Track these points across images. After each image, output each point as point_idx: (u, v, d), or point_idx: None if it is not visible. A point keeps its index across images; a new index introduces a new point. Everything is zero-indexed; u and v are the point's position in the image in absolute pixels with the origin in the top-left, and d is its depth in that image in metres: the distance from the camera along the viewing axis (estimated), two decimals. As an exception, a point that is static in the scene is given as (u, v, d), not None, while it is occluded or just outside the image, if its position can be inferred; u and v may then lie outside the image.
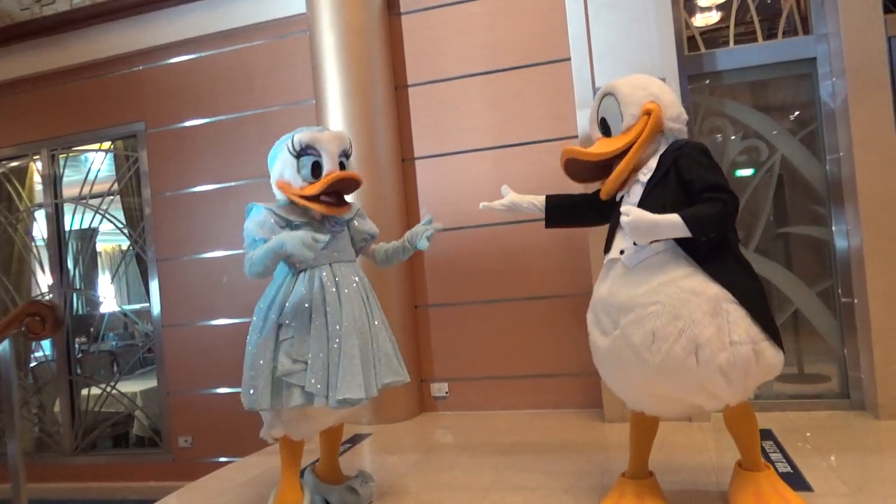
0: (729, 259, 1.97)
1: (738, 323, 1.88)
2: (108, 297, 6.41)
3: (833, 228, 3.38)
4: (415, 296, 4.11)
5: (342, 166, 2.36)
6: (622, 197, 2.18)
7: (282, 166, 2.36)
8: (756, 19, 3.51)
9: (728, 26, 3.58)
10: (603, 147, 2.14)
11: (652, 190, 2.05)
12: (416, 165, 4.11)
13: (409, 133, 4.13)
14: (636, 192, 2.10)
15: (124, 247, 5.87)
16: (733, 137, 3.59)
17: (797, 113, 3.62)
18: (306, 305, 2.26)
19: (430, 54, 4.08)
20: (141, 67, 4.77)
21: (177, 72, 4.69)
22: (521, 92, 3.89)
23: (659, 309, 1.90)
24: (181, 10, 4.53)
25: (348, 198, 2.44)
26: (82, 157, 5.41)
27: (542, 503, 2.37)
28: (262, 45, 4.47)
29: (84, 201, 5.07)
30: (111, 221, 5.03)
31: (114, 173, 5.16)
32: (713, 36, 3.66)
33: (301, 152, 2.31)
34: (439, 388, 4.06)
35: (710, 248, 1.95)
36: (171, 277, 4.72)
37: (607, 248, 2.18)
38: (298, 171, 2.32)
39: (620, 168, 2.09)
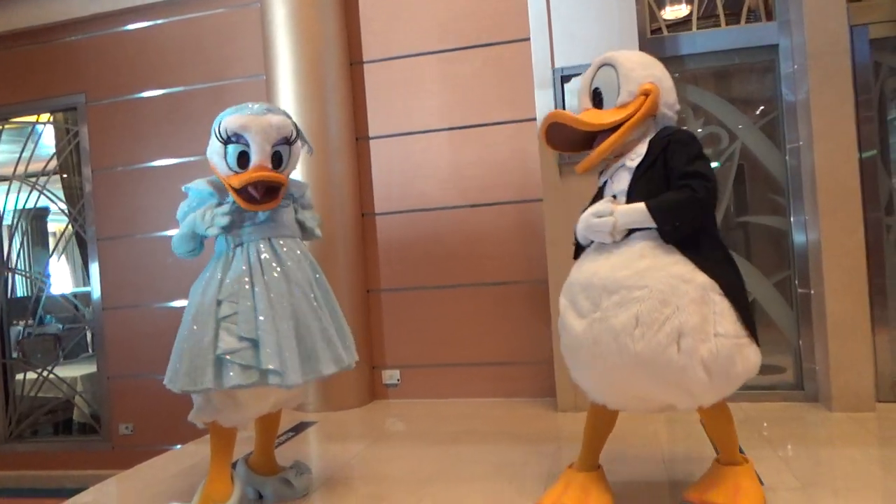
0: (715, 250, 1.91)
1: (724, 315, 1.80)
2: (55, 279, 6.13)
3: (792, 219, 3.34)
4: (367, 280, 3.97)
5: (278, 156, 2.19)
6: (605, 182, 2.10)
7: (211, 148, 2.21)
8: (720, 4, 3.43)
9: (694, 20, 3.51)
10: (594, 118, 2.02)
11: (641, 177, 1.96)
12: (371, 145, 3.97)
13: (363, 111, 3.98)
14: (622, 177, 2.01)
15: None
16: (699, 127, 3.52)
17: (759, 101, 3.57)
18: (246, 280, 2.12)
19: (387, 30, 3.93)
20: (82, 36, 4.51)
21: (121, 41, 4.45)
22: (478, 72, 3.76)
23: (645, 294, 1.79)
24: (124, -24, 4.30)
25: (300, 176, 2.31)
26: (20, 130, 5.12)
27: (484, 494, 2.27)
28: (212, 15, 4.25)
29: (19, 179, 4.80)
30: (49, 199, 4.77)
31: (53, 149, 4.90)
32: (681, 29, 3.57)
33: (228, 139, 2.15)
34: (391, 376, 3.94)
35: (696, 238, 1.88)
36: (113, 258, 4.50)
37: None
38: (225, 158, 2.17)
39: (607, 144, 1.98)
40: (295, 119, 3.74)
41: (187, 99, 4.31)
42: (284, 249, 2.21)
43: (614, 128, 1.98)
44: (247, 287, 2.11)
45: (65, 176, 4.87)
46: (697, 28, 3.48)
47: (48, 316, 5.36)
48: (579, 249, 2.14)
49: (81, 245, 4.76)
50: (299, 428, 3.43)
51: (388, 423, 3.48)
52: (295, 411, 3.77)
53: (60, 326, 6.45)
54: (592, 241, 2.03)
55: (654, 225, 1.86)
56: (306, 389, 2.39)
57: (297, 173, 3.70)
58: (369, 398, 3.92)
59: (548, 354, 3.42)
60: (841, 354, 3.02)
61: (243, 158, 2.15)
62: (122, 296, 4.49)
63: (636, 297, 1.80)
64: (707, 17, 3.50)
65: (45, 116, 4.83)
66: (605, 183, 2.11)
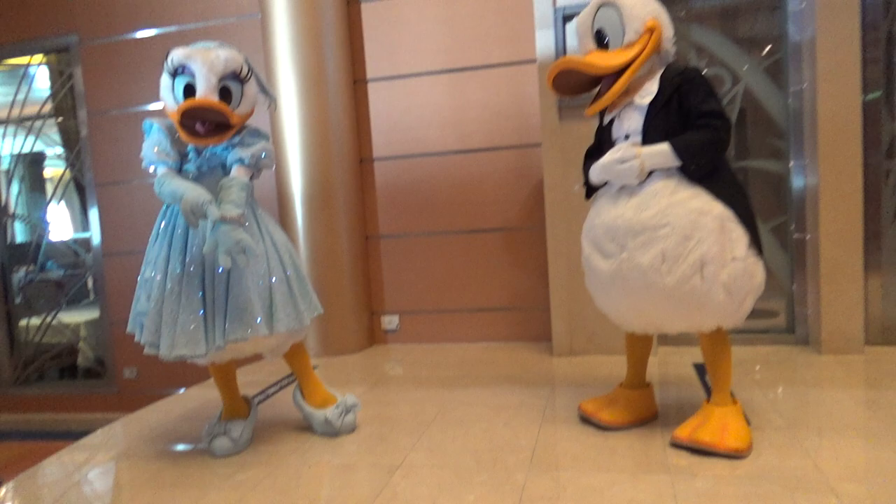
0: (727, 179, 2.01)
1: (739, 240, 1.94)
2: (54, 225, 6.13)
3: (791, 163, 3.31)
4: (366, 226, 3.98)
5: (226, 91, 2.14)
6: (612, 119, 2.15)
7: (162, 85, 2.17)
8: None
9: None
10: (603, 60, 2.03)
11: (655, 116, 2.02)
12: (369, 88, 3.90)
13: (361, 52, 3.90)
14: (633, 116, 2.07)
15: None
16: (702, 64, 3.46)
17: (765, 42, 3.49)
18: (160, 241, 2.17)
19: (384, -32, 3.81)
20: (72, -27, 4.39)
21: (112, -20, 4.33)
22: (478, 11, 3.67)
23: (668, 231, 1.92)
24: None
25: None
26: (13, 72, 5.03)
27: (481, 436, 2.33)
28: (203, -48, 4.13)
29: (14, 123, 4.74)
30: (43, 143, 4.73)
31: (49, 91, 4.83)
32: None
33: (175, 71, 2.11)
34: (390, 321, 3.99)
35: (715, 171, 1.98)
36: (112, 203, 4.50)
37: None
38: (172, 91, 2.13)
39: (619, 85, 2.02)
40: (291, 60, 3.69)
41: (182, 39, 4.18)
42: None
43: (623, 68, 2.01)
44: (165, 246, 2.14)
45: (60, 119, 4.81)
46: (703, -34, 3.38)
47: (49, 262, 5.39)
48: (591, 189, 2.24)
49: (80, 190, 4.74)
50: (301, 370, 3.50)
51: (387, 368, 3.55)
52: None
53: (62, 272, 6.50)
54: (607, 183, 2.13)
55: (678, 164, 1.95)
56: (291, 334, 2.36)
57: (296, 116, 3.67)
58: (368, 343, 3.99)
59: (544, 300, 3.45)
60: (832, 298, 3.06)
61: (189, 91, 2.11)
62: (122, 242, 4.50)
63: (661, 236, 1.94)
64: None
65: (38, 58, 4.73)
66: (612, 122, 2.15)
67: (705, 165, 1.96)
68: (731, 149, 3.48)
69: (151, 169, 2.21)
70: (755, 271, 1.99)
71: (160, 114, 4.24)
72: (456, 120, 3.76)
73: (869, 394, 2.56)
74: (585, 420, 2.35)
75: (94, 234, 4.58)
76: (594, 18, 2.08)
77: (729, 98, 3.41)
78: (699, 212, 1.92)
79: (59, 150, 4.77)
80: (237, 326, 2.09)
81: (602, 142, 2.22)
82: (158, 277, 2.11)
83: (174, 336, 2.06)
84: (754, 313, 3.55)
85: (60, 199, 4.97)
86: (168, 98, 2.16)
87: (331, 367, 3.58)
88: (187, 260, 2.11)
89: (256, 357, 2.50)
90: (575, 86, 2.15)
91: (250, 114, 2.27)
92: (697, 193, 1.95)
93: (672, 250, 1.92)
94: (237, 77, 2.15)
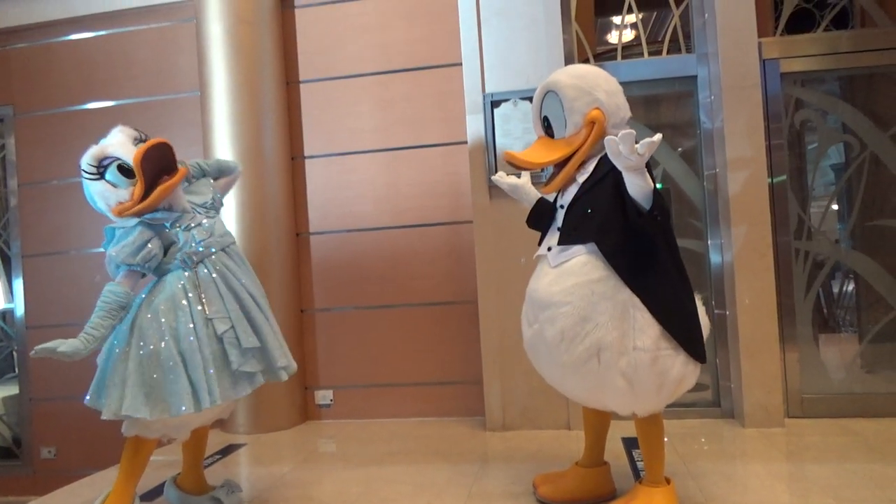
0: (650, 266, 1.95)
1: (645, 330, 1.89)
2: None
3: (709, 242, 3.48)
4: (301, 299, 3.95)
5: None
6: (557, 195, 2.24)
7: (102, 196, 2.14)
8: (643, 36, 3.58)
9: (633, 44, 3.64)
10: (542, 156, 2.10)
11: (587, 192, 2.04)
12: (306, 164, 3.97)
13: (299, 130, 3.98)
14: (571, 190, 2.11)
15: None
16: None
17: (680, 128, 3.72)
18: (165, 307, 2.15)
19: (324, 51, 3.95)
20: (10, 46, 4.39)
21: (52, 53, 4.35)
22: (412, 95, 3.82)
23: (569, 310, 1.93)
24: (55, -14, 4.22)
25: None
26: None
27: (404, 517, 2.28)
28: (145, 30, 4.20)
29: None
30: (-30, 213, 4.61)
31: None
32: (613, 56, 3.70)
33: (100, 166, 2.11)
34: (324, 396, 3.92)
35: (634, 255, 1.94)
36: (38, 275, 4.37)
37: (540, 244, 2.22)
38: (112, 184, 2.12)
39: (562, 176, 2.09)
40: (230, 136, 3.75)
41: (120, 113, 4.23)
42: (230, 262, 2.31)
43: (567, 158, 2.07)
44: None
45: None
46: (623, 58, 3.62)
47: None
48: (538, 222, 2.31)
49: (5, 261, 4.59)
50: (228, 450, 3.38)
51: (318, 444, 3.46)
52: (224, 433, 3.72)
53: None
54: (538, 251, 2.19)
55: (647, 187, 1.84)
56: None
57: (232, 190, 3.67)
58: (302, 419, 3.89)
59: (478, 374, 3.47)
60: (752, 372, 3.16)
61: (123, 170, 2.10)
62: (47, 314, 4.35)
63: (562, 313, 1.95)
64: (651, 42, 3.63)
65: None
66: (557, 195, 2.22)
67: (651, 218, 1.87)
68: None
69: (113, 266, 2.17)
70: (669, 364, 1.92)
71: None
72: (390, 196, 3.84)
73: (787, 467, 2.63)
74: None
75: (18, 306, 4.41)
76: (542, 105, 2.13)
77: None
78: (601, 295, 1.91)
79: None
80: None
81: (545, 207, 2.30)
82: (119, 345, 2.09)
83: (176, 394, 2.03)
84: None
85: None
86: (110, 194, 2.12)
87: (260, 445, 3.47)
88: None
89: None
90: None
91: None
92: (607, 277, 1.93)
93: (570, 329, 1.93)
94: (140, 139, 2.18)
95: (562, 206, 2.13)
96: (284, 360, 2.28)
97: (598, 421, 2.29)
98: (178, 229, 2.20)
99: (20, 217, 4.39)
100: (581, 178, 2.07)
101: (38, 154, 4.37)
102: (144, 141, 2.16)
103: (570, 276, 1.98)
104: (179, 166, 2.19)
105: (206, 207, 2.34)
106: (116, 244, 2.15)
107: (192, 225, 2.23)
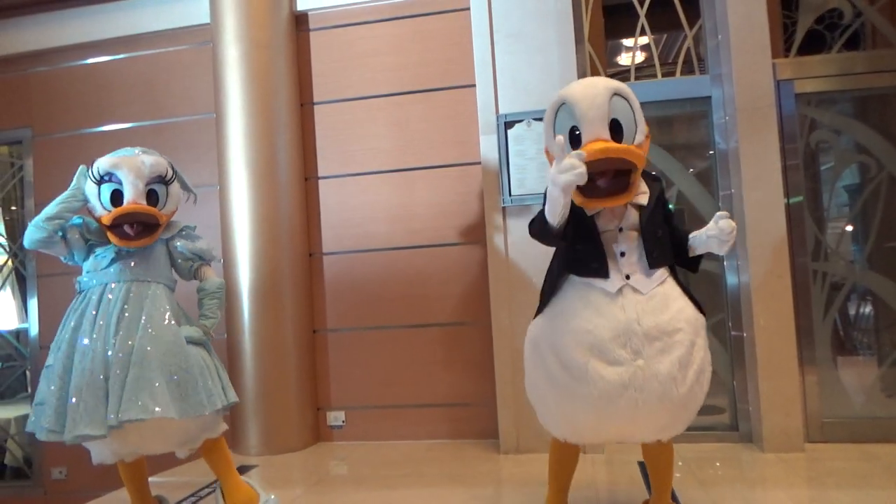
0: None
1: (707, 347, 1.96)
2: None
3: (725, 263, 3.45)
4: (313, 320, 3.95)
5: (153, 194, 2.26)
6: (595, 215, 1.99)
7: (88, 192, 2.27)
8: (657, 57, 3.59)
9: (644, 65, 3.65)
10: (639, 157, 1.88)
11: (652, 213, 1.98)
12: (319, 185, 3.99)
13: (312, 151, 4.01)
14: (628, 212, 1.96)
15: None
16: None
17: (695, 149, 3.71)
18: (65, 327, 2.18)
19: (338, 72, 3.99)
20: (30, 70, 4.47)
21: (70, 76, 4.41)
22: (426, 116, 3.84)
23: (682, 337, 1.85)
24: (74, 12, 4.30)
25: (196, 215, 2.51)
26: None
27: (418, 542, 2.25)
28: (162, 53, 4.26)
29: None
30: (-14, 234, 4.66)
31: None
32: (625, 78, 3.71)
33: (101, 179, 2.20)
34: (335, 417, 3.89)
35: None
36: (52, 295, 4.39)
37: (594, 272, 1.94)
38: (99, 198, 2.20)
39: (634, 190, 1.91)
40: (244, 157, 3.79)
41: (135, 136, 4.27)
42: (136, 293, 2.24)
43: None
44: (72, 332, 2.16)
45: (13, 208, 4.76)
46: (636, 79, 3.63)
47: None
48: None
49: (21, 281, 4.63)
50: (239, 472, 3.33)
51: (330, 467, 3.43)
52: (236, 454, 3.69)
53: (-1, 364, 6.22)
54: (610, 281, 1.93)
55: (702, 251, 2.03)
56: (201, 427, 2.33)
57: (246, 210, 3.71)
58: (313, 440, 3.86)
59: (491, 396, 3.43)
60: (771, 395, 3.11)
61: (117, 197, 2.20)
62: (61, 334, 4.36)
63: (677, 342, 1.86)
64: (664, 64, 3.64)
65: (-11, 150, 4.74)
66: (596, 213, 1.99)
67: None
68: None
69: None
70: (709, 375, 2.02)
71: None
72: (403, 217, 3.85)
73: (808, 493, 2.58)
74: None
75: (32, 325, 4.43)
76: (609, 106, 1.88)
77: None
78: (695, 317, 1.91)
79: (2, 239, 4.68)
80: (132, 406, 2.05)
81: (580, 229, 1.98)
82: (61, 363, 2.11)
83: (77, 416, 2.04)
84: (702, 409, 3.60)
85: (2, 288, 4.83)
86: (95, 204, 2.25)
87: (272, 466, 3.45)
88: (88, 341, 2.12)
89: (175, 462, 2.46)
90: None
91: (175, 210, 2.40)
92: (685, 296, 1.94)
93: (685, 357, 1.84)
94: (162, 180, 2.26)
95: (620, 229, 1.96)
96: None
97: (575, 461, 2.21)
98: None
99: (36, 237, 4.42)
100: (643, 200, 1.97)
101: (55, 175, 4.40)
102: (163, 181, 2.27)
103: (672, 300, 1.91)
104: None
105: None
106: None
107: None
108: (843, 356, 3.58)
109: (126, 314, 2.17)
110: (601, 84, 1.91)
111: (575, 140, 1.90)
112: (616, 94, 1.89)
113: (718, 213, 1.93)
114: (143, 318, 2.19)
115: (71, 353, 2.11)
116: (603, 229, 1.98)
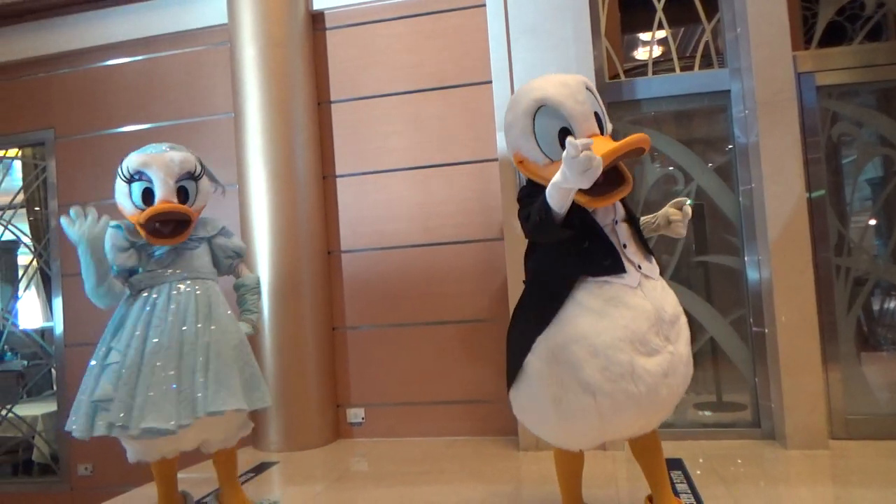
0: None
1: None
2: (24, 313, 6.02)
3: (745, 258, 3.42)
4: (332, 317, 3.97)
5: (183, 191, 2.27)
6: (593, 212, 1.94)
7: (118, 191, 2.29)
8: (674, 51, 3.56)
9: (661, 60, 3.62)
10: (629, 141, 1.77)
11: (626, 202, 2.06)
12: (337, 183, 4.00)
13: (330, 150, 4.02)
14: (617, 206, 1.99)
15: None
16: (656, 165, 3.62)
17: (714, 143, 3.68)
18: (130, 325, 2.21)
19: (354, 71, 4.00)
20: (52, 72, 4.53)
21: (91, 78, 4.47)
22: (442, 113, 3.84)
23: (684, 317, 1.95)
24: (94, 15, 4.35)
25: (213, 215, 2.47)
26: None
27: (439, 538, 2.26)
28: (180, 54, 4.30)
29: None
30: (13, 233, 4.73)
31: (20, 182, 4.87)
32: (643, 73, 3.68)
33: (131, 178, 2.20)
34: (355, 414, 3.92)
35: None
36: (77, 294, 4.42)
37: (609, 270, 1.89)
38: (130, 197, 2.20)
39: (630, 180, 1.87)
40: (263, 156, 3.82)
41: (155, 136, 4.27)
42: (185, 292, 2.27)
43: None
44: (133, 333, 2.20)
45: (37, 209, 4.83)
46: (653, 73, 3.60)
47: (8, 353, 5.27)
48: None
49: (45, 280, 4.70)
50: (260, 468, 3.39)
51: (350, 463, 3.46)
52: (256, 451, 3.73)
53: (25, 363, 6.32)
54: (627, 274, 1.90)
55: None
56: (239, 426, 2.41)
57: (265, 209, 3.74)
58: (333, 437, 3.89)
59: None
60: (794, 392, 3.08)
61: (147, 195, 2.21)
62: (85, 332, 4.42)
63: (684, 323, 1.96)
64: (681, 57, 3.60)
65: (12, 151, 4.81)
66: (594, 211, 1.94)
67: None
68: (691, 244, 3.60)
69: None
70: None
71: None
72: (421, 214, 3.85)
73: (833, 490, 2.55)
74: None
75: (57, 324, 4.50)
76: (590, 100, 1.88)
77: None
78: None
79: (27, 239, 4.76)
80: (216, 399, 2.12)
81: (583, 229, 1.90)
82: (131, 360, 2.15)
83: (146, 411, 2.07)
84: (724, 406, 3.57)
85: (27, 288, 4.92)
86: (125, 203, 2.26)
87: (293, 463, 3.48)
88: (158, 338, 2.16)
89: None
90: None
91: (204, 206, 2.42)
92: None
93: (689, 337, 1.96)
94: (192, 176, 2.27)
95: (616, 221, 1.96)
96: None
97: (581, 460, 2.20)
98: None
99: (60, 237, 4.49)
100: None
101: (77, 176, 4.48)
102: (193, 178, 2.27)
103: (667, 287, 1.99)
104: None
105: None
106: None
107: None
108: (866, 352, 3.53)
109: (196, 311, 2.23)
110: (572, 81, 1.88)
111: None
112: (587, 87, 1.90)
113: (678, 199, 2.09)
114: (212, 314, 2.26)
115: (141, 350, 2.15)
116: (601, 224, 1.95)
